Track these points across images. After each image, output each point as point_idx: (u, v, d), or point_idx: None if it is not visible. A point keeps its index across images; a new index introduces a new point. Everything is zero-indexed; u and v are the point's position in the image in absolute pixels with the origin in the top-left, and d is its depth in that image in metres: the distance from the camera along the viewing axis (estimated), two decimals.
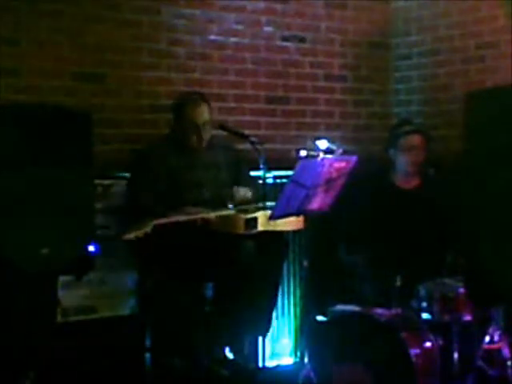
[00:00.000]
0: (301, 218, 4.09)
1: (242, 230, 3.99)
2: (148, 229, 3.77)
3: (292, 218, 4.05)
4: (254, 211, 4.07)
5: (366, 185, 4.53)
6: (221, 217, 4.03)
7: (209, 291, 4.30)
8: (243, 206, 4.17)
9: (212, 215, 4.00)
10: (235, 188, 4.28)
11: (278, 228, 4.10)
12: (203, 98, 4.35)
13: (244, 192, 4.29)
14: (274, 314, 4.42)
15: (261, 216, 4.02)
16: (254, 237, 4.07)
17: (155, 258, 4.13)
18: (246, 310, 4.18)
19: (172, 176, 4.26)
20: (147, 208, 4.03)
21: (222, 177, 4.40)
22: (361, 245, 4.42)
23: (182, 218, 3.93)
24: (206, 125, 4.29)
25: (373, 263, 4.33)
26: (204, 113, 4.29)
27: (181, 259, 4.07)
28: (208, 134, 4.32)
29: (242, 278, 4.07)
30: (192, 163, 4.32)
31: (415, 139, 4.51)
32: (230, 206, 4.16)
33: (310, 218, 4.10)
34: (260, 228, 4.03)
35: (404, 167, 4.54)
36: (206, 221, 3.97)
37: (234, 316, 4.20)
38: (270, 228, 4.07)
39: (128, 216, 4.21)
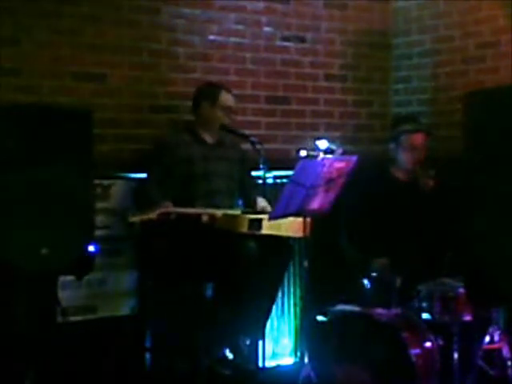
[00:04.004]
0: (305, 224, 3.99)
1: (245, 230, 4.00)
2: (153, 215, 3.82)
3: (297, 225, 4.04)
4: (260, 213, 4.10)
5: (366, 176, 4.51)
6: (226, 215, 4.05)
7: (209, 291, 4.31)
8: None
9: (218, 212, 4.03)
10: (259, 199, 4.39)
11: (283, 233, 4.11)
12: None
13: (264, 204, 4.37)
14: (268, 319, 4.43)
15: (266, 219, 4.02)
16: (258, 239, 4.08)
17: (156, 258, 4.13)
18: (243, 312, 4.18)
19: (187, 166, 4.34)
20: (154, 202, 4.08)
21: (233, 170, 4.50)
22: (361, 232, 4.41)
23: (189, 210, 3.98)
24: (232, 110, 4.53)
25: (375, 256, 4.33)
26: (233, 99, 4.53)
27: (182, 258, 4.08)
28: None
29: (243, 278, 4.07)
30: (207, 155, 4.42)
31: (417, 139, 4.50)
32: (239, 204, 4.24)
33: (315, 224, 4.08)
34: (264, 231, 4.04)
35: (404, 164, 4.53)
36: (211, 218, 4.00)
37: (231, 316, 4.20)
38: (275, 232, 4.08)
39: (136, 203, 4.29)
